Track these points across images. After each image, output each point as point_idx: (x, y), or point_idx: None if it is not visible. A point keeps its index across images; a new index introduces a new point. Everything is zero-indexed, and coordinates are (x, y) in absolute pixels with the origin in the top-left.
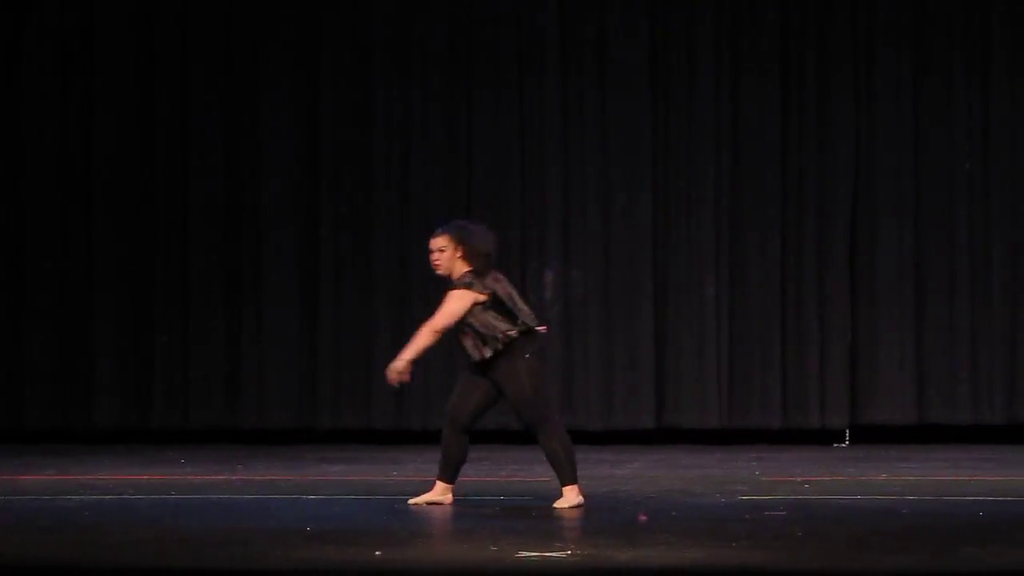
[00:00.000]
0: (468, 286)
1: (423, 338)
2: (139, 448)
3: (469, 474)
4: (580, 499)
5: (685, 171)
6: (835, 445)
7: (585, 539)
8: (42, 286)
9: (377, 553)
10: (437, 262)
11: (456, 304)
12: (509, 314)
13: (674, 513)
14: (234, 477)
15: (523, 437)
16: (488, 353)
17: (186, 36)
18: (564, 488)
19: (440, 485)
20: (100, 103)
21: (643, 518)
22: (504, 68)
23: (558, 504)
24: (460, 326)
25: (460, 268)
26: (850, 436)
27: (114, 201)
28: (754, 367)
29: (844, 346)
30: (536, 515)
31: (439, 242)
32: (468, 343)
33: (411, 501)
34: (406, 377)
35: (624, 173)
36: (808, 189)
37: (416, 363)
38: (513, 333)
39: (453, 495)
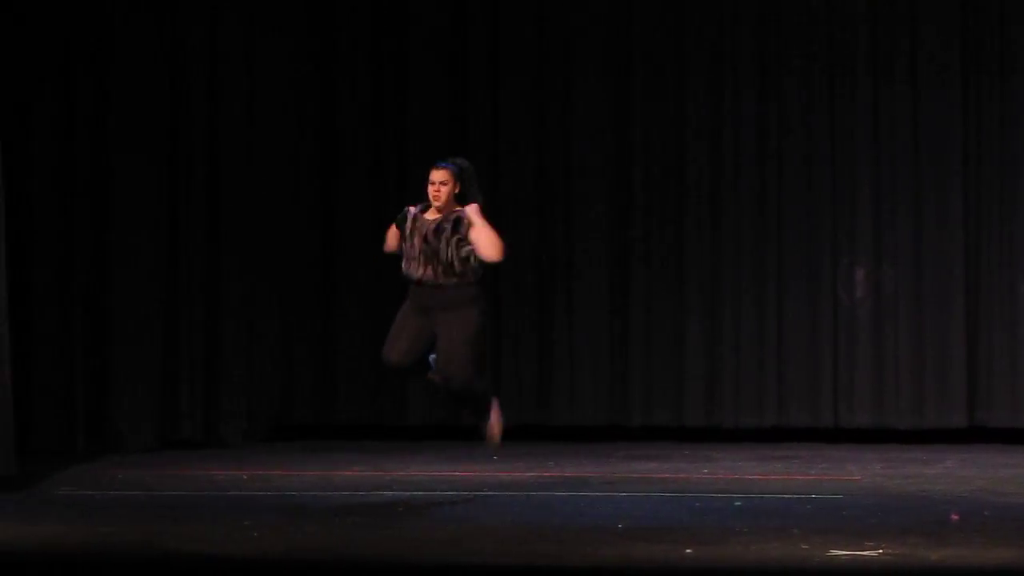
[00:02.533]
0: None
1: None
2: (451, 445)
3: (779, 472)
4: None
5: (997, 169)
6: None
7: (896, 538)
8: (352, 287)
9: (688, 551)
10: (437, 194)
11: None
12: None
13: (987, 513)
14: (545, 474)
15: (834, 435)
16: (471, 276)
17: (497, 38)
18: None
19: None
20: (414, 95)
21: (955, 518)
22: (814, 69)
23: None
24: (448, 246)
25: (453, 205)
26: None
27: (422, 198)
28: None
29: None
30: (847, 514)
31: (441, 175)
32: (439, 256)
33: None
34: None
35: (935, 171)
36: None
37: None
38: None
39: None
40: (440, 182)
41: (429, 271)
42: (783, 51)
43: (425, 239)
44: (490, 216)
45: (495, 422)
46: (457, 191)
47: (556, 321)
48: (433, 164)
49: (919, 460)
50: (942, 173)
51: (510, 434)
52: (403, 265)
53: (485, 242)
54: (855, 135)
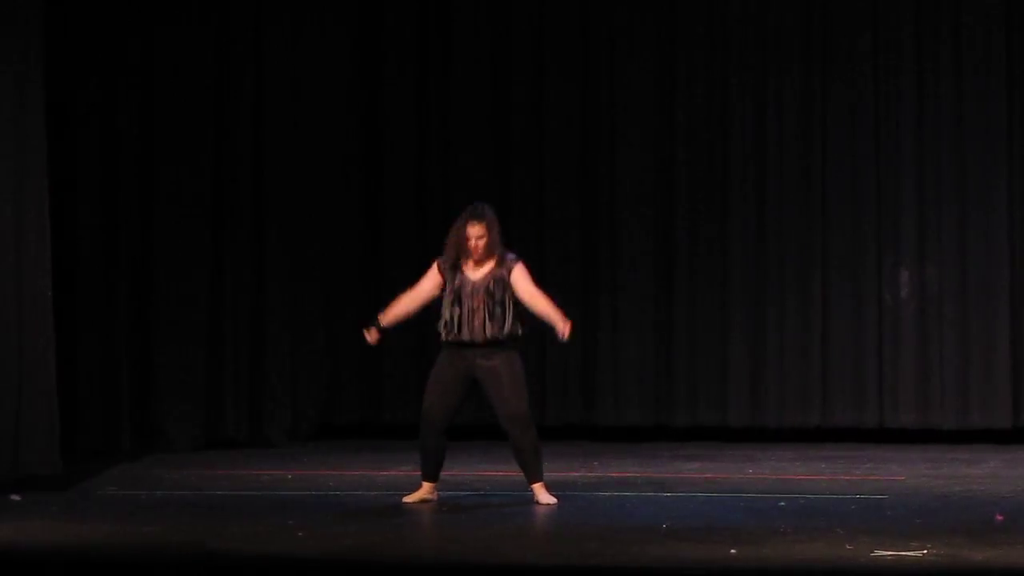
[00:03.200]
0: (522, 261)
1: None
2: (495, 445)
3: (824, 472)
4: (435, 495)
5: None
6: None
7: (940, 538)
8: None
9: (732, 551)
10: (478, 247)
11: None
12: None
13: None
14: (590, 474)
15: (879, 435)
16: (518, 330)
17: (542, 36)
18: (534, 485)
19: (427, 485)
20: (457, 98)
21: (1000, 518)
22: (858, 64)
23: (541, 500)
24: (495, 300)
25: (495, 248)
26: None
27: (468, 199)
28: None
29: None
30: (891, 514)
31: (478, 230)
32: (494, 319)
33: (405, 499)
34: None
35: (980, 170)
36: None
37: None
38: (522, 329)
39: (437, 492)
40: (477, 236)
41: (480, 334)
42: (828, 49)
43: (477, 303)
44: (533, 222)
45: (546, 498)
46: (496, 237)
47: (601, 322)
48: (466, 214)
49: (964, 460)
50: (987, 173)
51: (556, 433)
52: (446, 328)
53: (539, 306)
54: (900, 135)
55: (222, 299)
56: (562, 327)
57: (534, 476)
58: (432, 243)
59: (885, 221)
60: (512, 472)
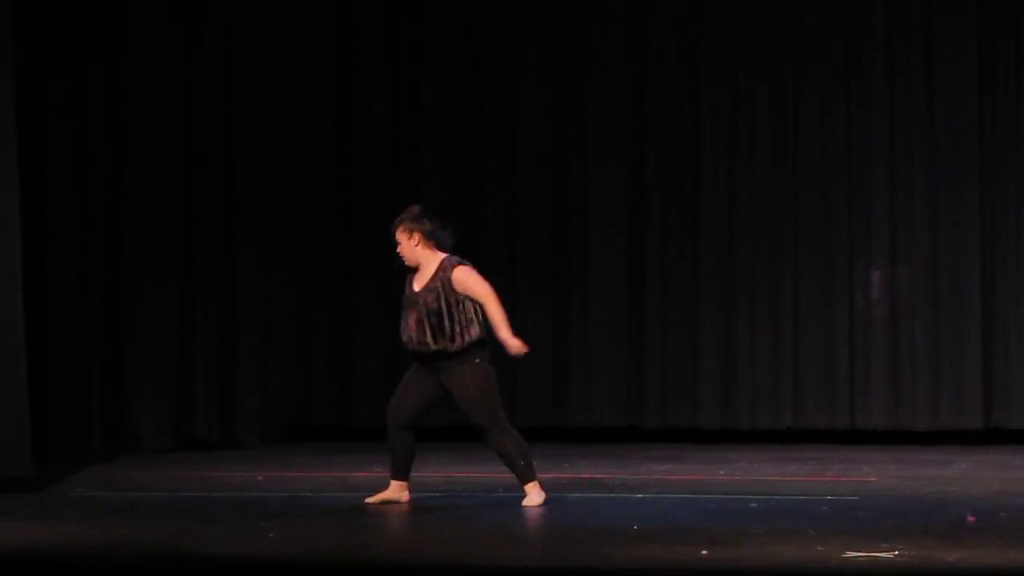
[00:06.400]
0: (463, 265)
1: (499, 310)
2: (465, 447)
3: (795, 473)
4: (544, 495)
5: (1013, 167)
6: None
7: (912, 539)
8: (368, 289)
9: (703, 552)
10: (401, 255)
11: (481, 279)
12: (476, 314)
13: (1003, 514)
14: (561, 475)
15: (850, 436)
16: (470, 337)
17: (513, 40)
18: (526, 487)
19: (395, 483)
20: (429, 98)
21: (971, 519)
22: (830, 67)
23: (525, 503)
24: (428, 309)
25: (426, 253)
26: None
27: (441, 198)
28: None
29: None
30: (863, 515)
31: (397, 237)
32: (427, 329)
33: (367, 500)
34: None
35: (951, 172)
36: None
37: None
38: (477, 334)
39: (409, 492)
40: (397, 246)
41: (426, 346)
42: (799, 52)
43: (415, 315)
44: (505, 222)
45: (532, 499)
46: (418, 242)
47: (572, 323)
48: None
49: (935, 462)
50: (958, 174)
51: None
52: (404, 340)
53: (489, 310)
54: (871, 136)
55: (193, 301)
56: (511, 343)
57: (522, 478)
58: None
59: (856, 222)
60: (483, 474)
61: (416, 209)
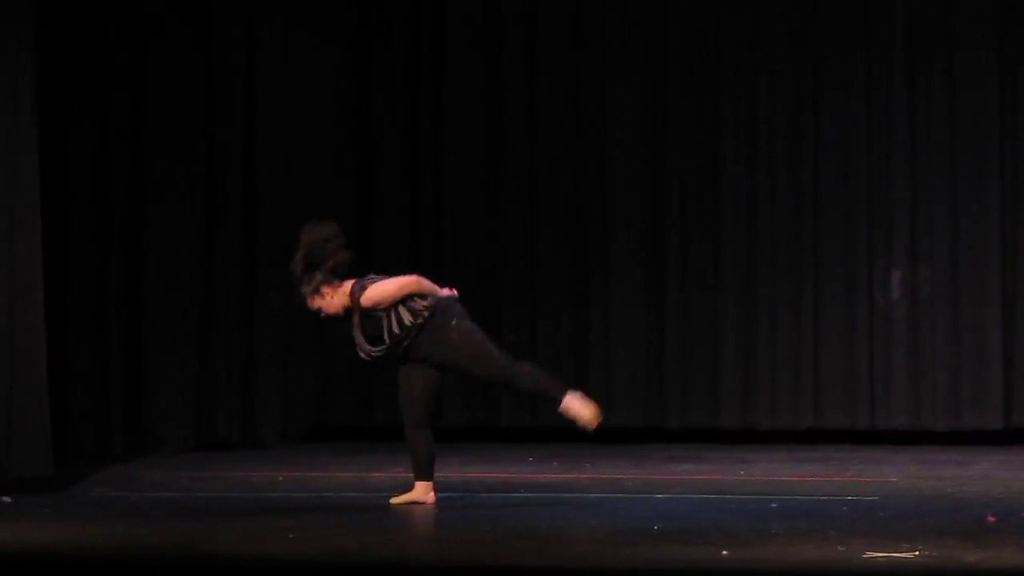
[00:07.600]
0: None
1: (419, 283)
2: (487, 447)
3: (815, 474)
4: (431, 496)
5: None
6: None
7: (932, 539)
8: None
9: (724, 552)
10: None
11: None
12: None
13: (1023, 515)
14: (582, 476)
15: (870, 437)
16: (410, 327)
17: (535, 46)
18: (417, 482)
19: (420, 484)
20: (448, 106)
21: (992, 519)
22: (850, 66)
23: (403, 497)
24: (368, 336)
25: (338, 291)
26: None
27: (461, 202)
28: None
29: None
30: (883, 515)
31: (312, 304)
32: (381, 341)
33: (392, 500)
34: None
35: (972, 172)
36: None
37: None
38: (423, 304)
39: (435, 492)
40: (319, 312)
41: (390, 344)
42: (819, 52)
43: (366, 339)
44: (525, 224)
45: (578, 404)
46: (329, 292)
47: (592, 323)
48: None
49: (955, 462)
50: (978, 174)
51: (546, 435)
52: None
53: (389, 295)
54: (891, 136)
55: (213, 301)
56: (444, 291)
57: (558, 391)
58: (423, 245)
59: (877, 222)
60: (503, 474)
61: (298, 264)
